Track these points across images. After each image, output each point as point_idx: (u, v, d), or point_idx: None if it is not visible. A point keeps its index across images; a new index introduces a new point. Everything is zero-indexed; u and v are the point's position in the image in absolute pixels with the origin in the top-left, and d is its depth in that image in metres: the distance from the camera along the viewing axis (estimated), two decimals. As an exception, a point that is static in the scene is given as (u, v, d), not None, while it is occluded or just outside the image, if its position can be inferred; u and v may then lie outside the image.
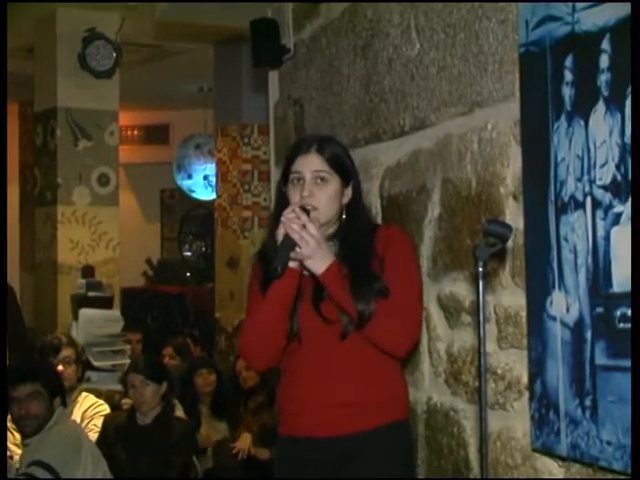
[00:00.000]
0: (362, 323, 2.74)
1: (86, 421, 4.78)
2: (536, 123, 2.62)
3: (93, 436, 4.59)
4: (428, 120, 3.30)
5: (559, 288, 2.54)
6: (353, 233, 2.84)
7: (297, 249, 2.71)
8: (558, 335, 2.54)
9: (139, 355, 6.51)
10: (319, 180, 2.82)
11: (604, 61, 2.37)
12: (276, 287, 2.76)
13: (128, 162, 11.17)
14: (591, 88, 2.40)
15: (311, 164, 2.83)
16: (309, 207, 2.77)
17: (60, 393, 4.17)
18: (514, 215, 2.81)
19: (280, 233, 2.73)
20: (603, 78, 2.37)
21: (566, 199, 2.51)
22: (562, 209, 2.52)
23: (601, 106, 2.38)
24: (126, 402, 5.20)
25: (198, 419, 5.82)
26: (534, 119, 2.64)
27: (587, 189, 2.43)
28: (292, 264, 2.75)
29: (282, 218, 2.73)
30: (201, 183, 10.69)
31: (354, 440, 2.78)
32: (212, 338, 8.88)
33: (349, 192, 2.88)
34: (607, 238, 2.37)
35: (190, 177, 10.71)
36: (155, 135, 12.70)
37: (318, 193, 2.81)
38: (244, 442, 5.70)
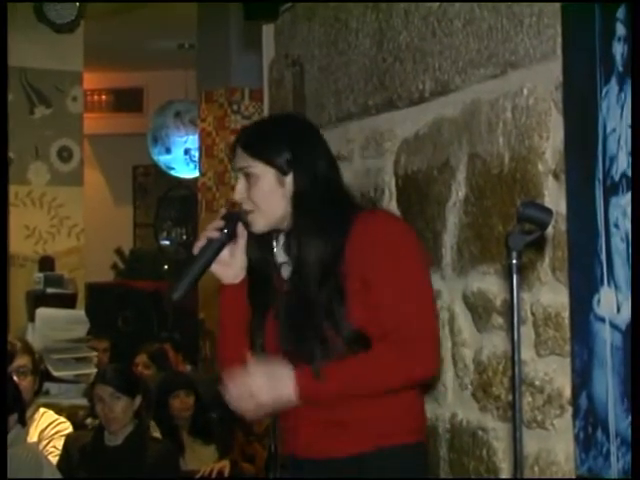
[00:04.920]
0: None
1: (44, 442, 4.78)
2: (581, 87, 2.63)
3: (53, 460, 4.60)
4: (452, 84, 3.30)
5: (608, 284, 2.54)
6: (300, 237, 2.79)
7: None
8: (607, 339, 2.55)
9: (108, 364, 6.52)
10: (248, 177, 2.84)
11: (663, 13, 2.38)
12: None
13: (94, 133, 11.18)
14: (647, 45, 2.41)
15: (238, 161, 2.89)
16: (242, 211, 2.84)
17: (17, 409, 4.16)
18: (555, 197, 2.81)
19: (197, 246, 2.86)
20: (661, 33, 2.38)
21: (617, 178, 2.51)
22: (612, 190, 2.53)
23: (659, 67, 2.39)
24: (91, 422, 5.21)
25: (180, 445, 5.76)
26: (579, 82, 2.64)
27: (642, 166, 2.44)
28: None
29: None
30: (181, 158, 10.70)
31: None
32: (195, 343, 8.90)
33: (289, 181, 2.82)
34: (665, 224, 2.38)
35: (168, 151, 10.72)
36: (126, 101, 12.71)
37: (250, 192, 2.84)
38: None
